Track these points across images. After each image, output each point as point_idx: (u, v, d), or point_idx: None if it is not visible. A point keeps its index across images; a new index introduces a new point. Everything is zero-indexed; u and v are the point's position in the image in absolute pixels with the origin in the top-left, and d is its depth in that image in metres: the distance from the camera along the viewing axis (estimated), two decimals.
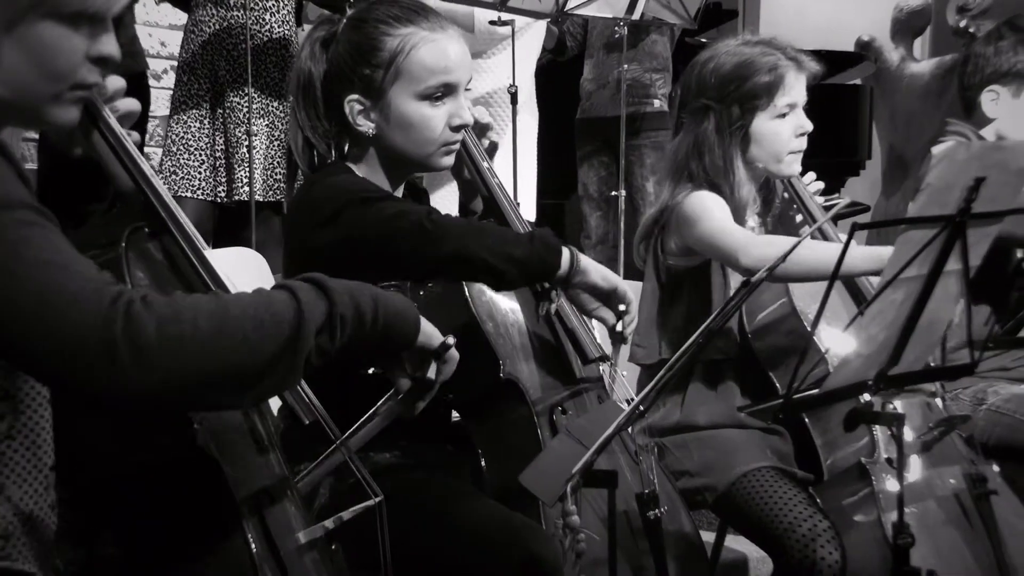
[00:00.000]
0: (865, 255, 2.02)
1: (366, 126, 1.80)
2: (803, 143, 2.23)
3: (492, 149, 2.01)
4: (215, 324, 1.11)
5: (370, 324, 1.24)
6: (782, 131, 2.20)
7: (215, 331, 1.11)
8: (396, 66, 1.77)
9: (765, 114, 2.19)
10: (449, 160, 1.85)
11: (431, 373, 1.36)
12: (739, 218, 2.20)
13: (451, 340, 1.35)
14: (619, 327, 1.85)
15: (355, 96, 1.79)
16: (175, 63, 3.61)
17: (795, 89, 2.20)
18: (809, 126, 2.21)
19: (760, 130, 2.20)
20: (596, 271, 1.80)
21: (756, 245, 2.09)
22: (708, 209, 2.16)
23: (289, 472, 1.42)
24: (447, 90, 1.79)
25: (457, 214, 2.12)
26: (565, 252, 1.76)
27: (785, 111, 2.19)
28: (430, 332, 1.34)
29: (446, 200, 3.60)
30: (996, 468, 2.26)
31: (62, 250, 1.09)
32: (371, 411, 1.42)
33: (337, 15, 1.86)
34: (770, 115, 2.19)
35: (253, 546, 1.30)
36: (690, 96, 2.25)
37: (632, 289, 2.43)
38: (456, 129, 1.81)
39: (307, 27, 3.09)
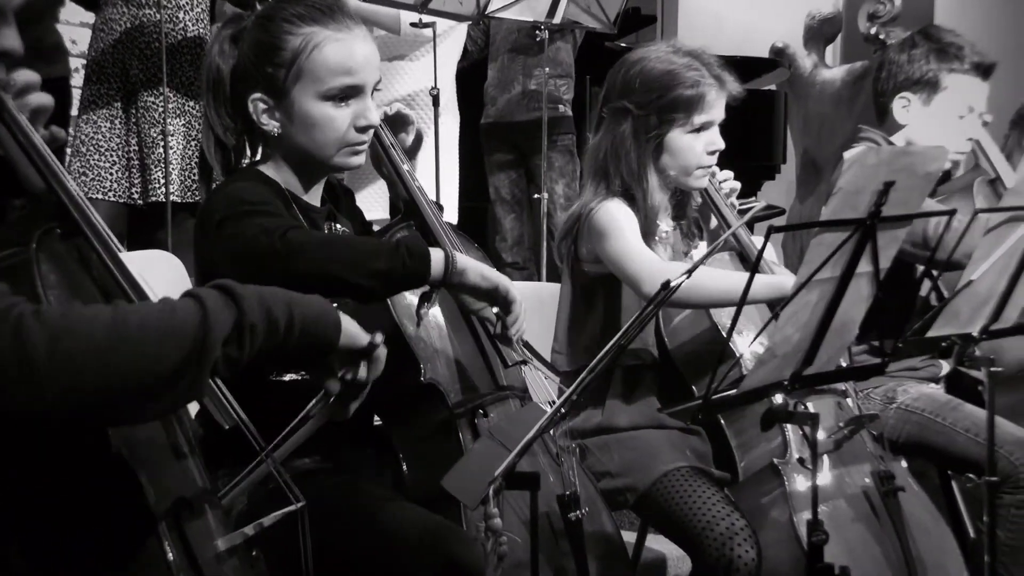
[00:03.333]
0: (766, 283, 2.03)
1: (270, 125, 1.79)
2: (713, 160, 2.26)
3: (417, 141, 2.00)
4: (111, 337, 1.08)
5: (284, 331, 1.22)
6: (695, 146, 2.22)
7: (111, 345, 1.08)
8: (298, 66, 1.75)
9: (681, 128, 2.21)
10: (357, 160, 1.83)
11: (361, 373, 1.33)
12: (651, 224, 2.23)
13: (379, 338, 1.33)
14: (499, 328, 1.84)
15: (259, 95, 1.78)
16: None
17: (714, 108, 2.22)
18: (721, 145, 2.24)
19: (674, 142, 2.22)
20: (475, 271, 1.76)
21: (661, 273, 2.08)
22: (619, 227, 2.16)
23: (208, 478, 1.40)
24: (352, 91, 1.78)
25: (388, 214, 2.10)
26: (437, 256, 1.72)
27: (700, 127, 2.22)
28: (354, 332, 1.31)
29: (373, 199, 3.58)
30: (904, 465, 2.32)
31: None
32: (301, 415, 1.39)
33: (248, 11, 1.84)
34: (685, 129, 2.21)
35: (170, 555, 1.27)
36: (613, 94, 2.26)
37: (553, 292, 2.45)
38: (362, 130, 1.80)
39: None
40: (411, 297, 1.90)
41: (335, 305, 1.31)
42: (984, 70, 2.62)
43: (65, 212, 1.34)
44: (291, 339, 1.23)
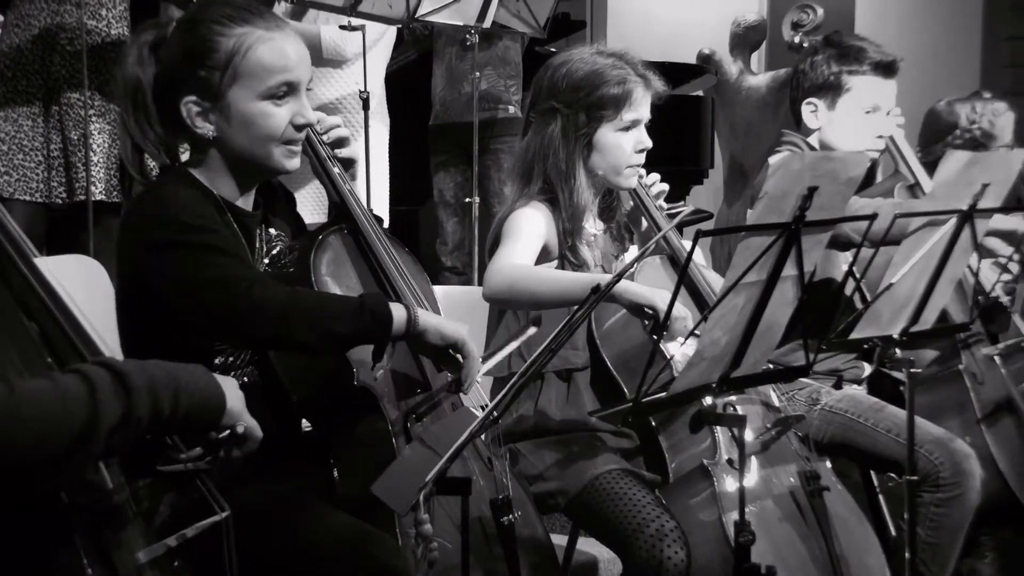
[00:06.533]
0: (585, 282, 2.03)
1: (205, 128, 1.76)
2: (642, 159, 2.29)
3: (348, 164, 1.99)
4: (3, 423, 1.11)
5: (167, 419, 1.27)
6: (624, 144, 2.25)
7: (2, 429, 1.11)
8: (234, 67, 1.73)
9: (610, 125, 2.24)
10: (295, 163, 1.82)
11: (222, 454, 1.37)
12: (576, 224, 2.25)
13: (240, 428, 1.37)
14: (453, 386, 1.86)
15: (192, 98, 1.74)
16: None
17: (641, 106, 2.26)
18: (649, 143, 2.28)
19: (604, 140, 2.25)
20: (434, 331, 1.77)
21: (503, 276, 2.11)
22: (516, 235, 2.18)
23: (128, 489, 1.36)
24: (289, 89, 1.78)
25: (325, 216, 2.08)
26: (399, 315, 1.73)
27: (629, 125, 2.25)
28: (236, 413, 1.36)
29: (309, 198, 3.55)
30: (829, 465, 2.37)
31: None
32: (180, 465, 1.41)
33: (165, 18, 1.81)
34: (614, 127, 2.24)
35: (88, 569, 1.24)
36: (540, 97, 2.29)
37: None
38: (299, 128, 1.79)
39: None
40: None
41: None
42: (884, 68, 2.68)
43: None
44: (174, 424, 1.29)
